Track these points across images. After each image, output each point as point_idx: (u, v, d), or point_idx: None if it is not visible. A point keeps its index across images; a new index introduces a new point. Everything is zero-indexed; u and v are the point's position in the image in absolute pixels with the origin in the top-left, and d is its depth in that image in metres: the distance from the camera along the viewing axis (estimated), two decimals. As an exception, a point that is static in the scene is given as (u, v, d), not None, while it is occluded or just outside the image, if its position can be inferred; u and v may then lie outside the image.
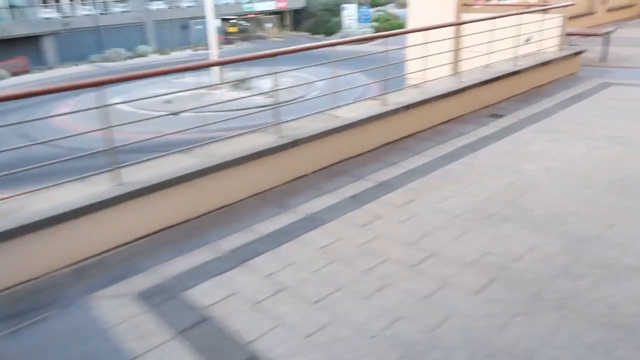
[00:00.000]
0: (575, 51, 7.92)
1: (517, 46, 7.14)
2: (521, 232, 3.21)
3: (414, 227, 3.37)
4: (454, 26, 7.75)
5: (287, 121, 4.43)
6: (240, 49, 35.89)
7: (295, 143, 4.15)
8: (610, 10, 15.30)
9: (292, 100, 8.09)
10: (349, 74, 5.66)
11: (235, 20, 41.88)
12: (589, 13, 14.46)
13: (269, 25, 43.73)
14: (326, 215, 3.58)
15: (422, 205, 3.69)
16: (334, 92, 4.97)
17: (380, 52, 5.45)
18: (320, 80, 13.43)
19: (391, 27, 35.41)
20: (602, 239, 3.07)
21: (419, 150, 4.89)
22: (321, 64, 5.04)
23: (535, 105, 6.23)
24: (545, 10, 7.90)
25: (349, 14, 39.22)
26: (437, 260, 2.95)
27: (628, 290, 2.56)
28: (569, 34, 8.59)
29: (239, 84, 20.38)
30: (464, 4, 9.32)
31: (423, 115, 5.51)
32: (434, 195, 3.84)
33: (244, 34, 42.26)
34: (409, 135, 5.35)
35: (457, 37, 7.22)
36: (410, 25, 10.12)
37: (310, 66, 5.05)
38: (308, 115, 4.84)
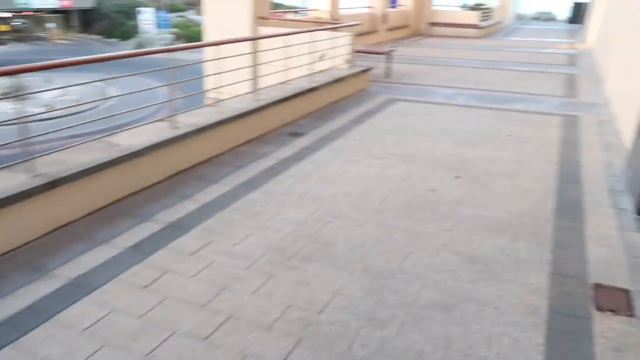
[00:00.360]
0: (364, 68, 8.38)
1: (313, 63, 7.21)
2: (325, 273, 2.97)
3: (209, 281, 2.87)
4: (252, 40, 7.49)
5: (44, 154, 3.52)
6: (14, 50, 30.83)
7: (54, 184, 3.28)
8: (389, 29, 16.98)
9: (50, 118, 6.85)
10: (135, 92, 4.89)
11: (5, 17, 35.86)
12: (373, 31, 15.81)
13: (51, 25, 38.55)
14: (97, 278, 2.85)
15: (219, 249, 3.21)
16: (119, 113, 4.19)
17: (191, 63, 4.85)
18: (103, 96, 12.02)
19: (192, 33, 34.36)
20: (402, 272, 3.00)
21: (216, 178, 4.42)
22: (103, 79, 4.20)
23: (333, 122, 6.30)
24: (335, 28, 8.18)
25: (146, 18, 36.89)
26: (235, 323, 2.50)
27: (430, 333, 2.47)
28: (357, 51, 9.10)
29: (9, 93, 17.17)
30: (260, 17, 9.18)
31: (220, 137, 5.05)
32: (232, 235, 3.40)
33: (19, 34, 36.48)
34: (206, 160, 4.84)
35: (255, 52, 6.96)
36: (207, 38, 9.61)
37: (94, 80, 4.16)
38: (78, 144, 3.96)
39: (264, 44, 7.82)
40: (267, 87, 6.62)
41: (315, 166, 4.77)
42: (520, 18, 37.96)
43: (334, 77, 7.45)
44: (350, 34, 8.09)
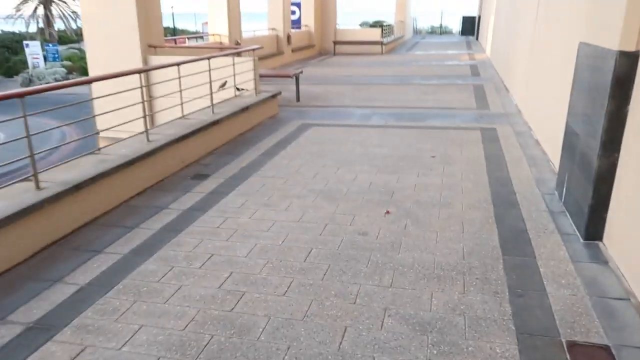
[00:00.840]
0: (273, 93, 7.78)
1: (215, 92, 6.49)
2: (243, 376, 2.24)
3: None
4: (141, 73, 6.64)
5: None
6: None
7: None
8: (295, 50, 16.64)
9: None
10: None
11: None
12: (278, 53, 15.35)
13: None
14: None
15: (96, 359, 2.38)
16: None
17: (76, 103, 3.90)
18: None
19: (86, 66, 32.04)
20: (342, 356, 2.35)
21: (99, 247, 3.54)
22: None
23: (242, 158, 5.61)
24: (236, 53, 7.52)
25: (33, 51, 33.95)
26: None
27: None
28: (262, 76, 8.50)
29: None
30: (152, 46, 8.30)
31: (104, 193, 4.15)
32: (116, 333, 2.57)
33: None
34: (89, 223, 3.93)
35: (147, 85, 6.11)
36: (91, 72, 8.54)
37: None
38: None
39: (158, 75, 6.98)
40: (164, 123, 5.80)
41: (223, 217, 4.02)
42: (417, 32, 39.73)
43: (240, 106, 6.77)
44: (252, 58, 7.48)
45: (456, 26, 48.01)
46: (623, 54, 3.01)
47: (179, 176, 5.07)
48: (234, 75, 7.04)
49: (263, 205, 4.24)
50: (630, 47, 3.00)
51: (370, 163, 5.30)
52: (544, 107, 5.71)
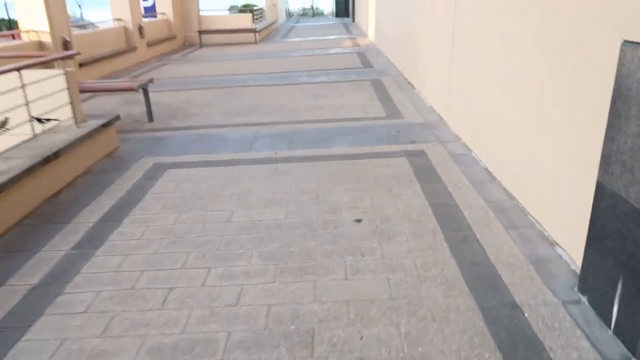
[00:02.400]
0: (106, 120, 5.28)
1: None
2: None
3: None
4: None
5: None
6: None
7: None
8: (151, 44, 13.79)
9: None
10: None
11: None
12: (129, 50, 12.45)
13: None
14: None
15: None
16: None
17: None
18: None
19: None
20: None
21: None
22: None
23: (44, 256, 3.19)
24: (42, 64, 4.90)
25: None
26: None
27: None
28: (86, 91, 5.94)
29: None
30: None
31: None
32: None
33: None
34: None
35: None
36: None
37: None
38: None
39: None
40: None
41: None
42: (289, 16, 37.88)
43: (43, 152, 4.23)
44: (64, 71, 4.88)
45: (328, 7, 47.10)
46: None
47: None
48: (27, 102, 4.44)
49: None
50: None
51: (261, 250, 3.19)
52: (509, 131, 4.04)
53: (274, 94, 7.99)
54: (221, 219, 3.64)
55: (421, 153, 4.83)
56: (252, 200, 3.93)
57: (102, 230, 3.56)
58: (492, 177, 4.12)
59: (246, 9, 24.27)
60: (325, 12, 45.61)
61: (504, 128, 3.92)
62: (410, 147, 5.03)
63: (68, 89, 4.84)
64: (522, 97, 3.53)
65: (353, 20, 24.60)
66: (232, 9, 42.69)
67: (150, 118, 6.58)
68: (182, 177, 4.51)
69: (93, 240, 3.43)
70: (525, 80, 3.48)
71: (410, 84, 8.10)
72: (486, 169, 4.30)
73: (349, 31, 19.59)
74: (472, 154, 4.70)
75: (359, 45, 14.22)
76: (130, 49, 12.53)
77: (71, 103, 4.89)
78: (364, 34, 17.45)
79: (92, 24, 14.03)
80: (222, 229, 3.49)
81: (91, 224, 3.66)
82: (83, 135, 4.80)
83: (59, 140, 4.55)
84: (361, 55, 12.06)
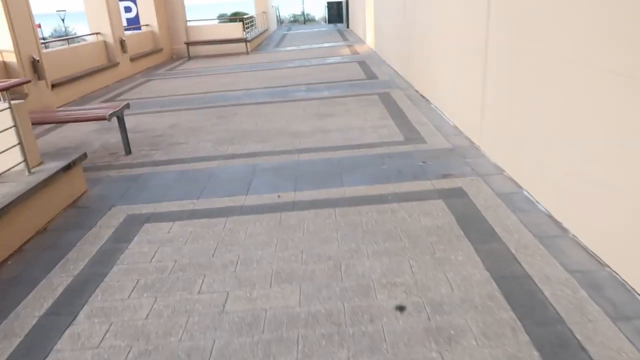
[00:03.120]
0: (67, 163, 4.30)
1: None
2: None
3: None
4: None
5: None
6: None
7: None
8: (135, 58, 12.83)
9: None
10: None
11: None
12: (110, 66, 11.49)
13: None
14: None
15: None
16: None
17: None
18: None
19: None
20: None
21: None
22: None
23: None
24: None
25: None
26: None
27: None
28: (41, 123, 4.99)
29: None
30: None
31: None
32: None
33: None
34: None
35: None
36: None
37: None
38: None
39: None
40: None
41: None
42: (281, 23, 37.04)
43: (-23, 215, 3.26)
44: (8, 104, 3.90)
45: (319, 13, 46.28)
46: None
47: None
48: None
49: None
50: None
51: (272, 364, 2.24)
52: (580, 163, 3.10)
53: (271, 114, 7.03)
54: (212, 308, 2.67)
55: (460, 192, 3.88)
56: (252, 275, 2.97)
57: (47, 331, 2.59)
58: (563, 229, 3.18)
59: (236, 17, 23.41)
60: (316, 18, 44.84)
61: (572, 158, 2.98)
62: (445, 183, 4.08)
63: (15, 126, 3.86)
64: (600, 113, 2.60)
65: (347, 26, 23.75)
66: (220, 17, 41.87)
67: (128, 150, 5.61)
68: (161, 237, 3.54)
69: (32, 351, 2.45)
70: (604, 91, 2.55)
71: (424, 97, 7.17)
72: (550, 216, 3.35)
73: (344, 38, 18.70)
74: (525, 193, 3.75)
75: (358, 53, 13.31)
76: (112, 64, 11.56)
77: (20, 144, 3.91)
78: (361, 41, 16.56)
79: (71, 38, 13.04)
80: (213, 326, 2.52)
81: (33, 321, 2.68)
82: (37, 184, 3.82)
83: (3, 194, 3.57)
84: (362, 64, 11.14)
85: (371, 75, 9.57)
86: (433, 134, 5.48)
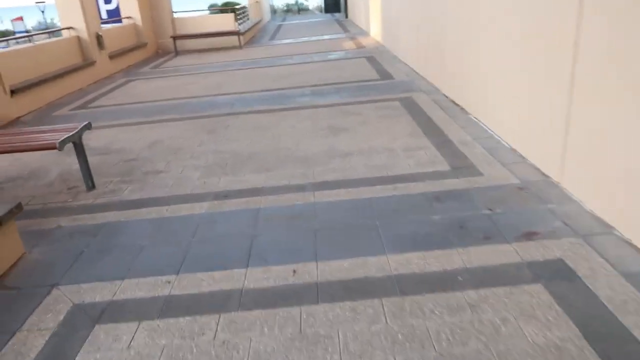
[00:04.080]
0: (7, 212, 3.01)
1: None
2: None
3: None
4: None
5: None
6: None
7: None
8: (114, 55, 11.45)
9: None
10: None
11: None
12: (87, 65, 10.12)
13: None
14: None
15: None
16: None
17: None
18: None
19: None
20: None
21: None
22: None
23: None
24: None
25: None
26: None
27: None
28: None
29: None
30: None
31: None
32: None
33: None
34: None
35: None
36: None
37: None
38: None
39: None
40: None
41: None
42: (274, 12, 35.51)
43: None
44: None
45: (313, 2, 44.62)
46: None
47: None
48: None
49: None
50: None
51: None
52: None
53: (272, 128, 5.75)
54: None
55: (563, 270, 2.62)
56: None
57: None
58: None
59: (227, 7, 21.96)
60: (310, 7, 43.26)
61: None
62: (533, 250, 2.83)
63: None
64: None
65: (346, 16, 22.34)
66: (211, 7, 40.18)
67: (90, 184, 4.32)
68: (117, 358, 2.27)
69: None
70: None
71: (457, 105, 5.90)
72: None
73: (345, 29, 17.33)
74: (628, 247, 2.52)
75: (363, 47, 11.98)
76: (87, 63, 10.18)
77: None
78: (364, 32, 15.21)
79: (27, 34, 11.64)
80: None
81: None
82: None
83: None
84: (371, 60, 9.83)
85: (385, 75, 8.27)
86: (486, 160, 4.22)
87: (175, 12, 15.11)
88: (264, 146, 5.11)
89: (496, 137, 4.71)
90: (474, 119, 5.31)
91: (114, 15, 14.17)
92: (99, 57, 10.64)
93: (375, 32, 13.18)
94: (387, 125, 5.41)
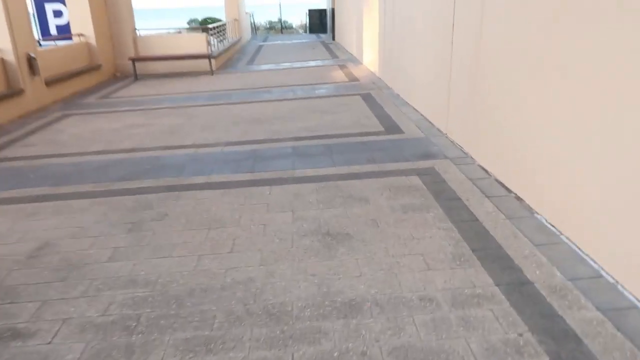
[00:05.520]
0: None
1: None
2: None
3: None
4: None
5: None
6: None
7: None
8: (52, 82, 9.31)
9: None
10: None
11: None
12: (13, 94, 7.98)
13: None
14: None
15: None
16: None
17: None
18: None
19: None
20: None
21: None
22: None
23: None
24: None
25: None
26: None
27: None
28: None
29: None
30: None
31: None
32: None
33: None
34: None
35: None
36: None
37: None
38: None
39: None
40: None
41: None
42: (256, 30, 33.69)
43: None
44: None
45: (296, 21, 42.95)
46: None
47: None
48: None
49: None
50: None
51: None
52: None
53: (228, 226, 3.71)
54: None
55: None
56: None
57: None
58: None
59: (200, 27, 20.03)
60: (294, 26, 41.63)
61: None
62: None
63: None
64: None
65: (333, 38, 20.58)
66: (191, 22, 38.17)
67: None
68: None
69: None
70: None
71: (513, 194, 3.95)
72: None
73: (332, 54, 15.48)
74: None
75: (356, 80, 10.09)
76: (12, 93, 8.05)
77: None
78: (355, 60, 13.35)
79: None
80: None
81: None
82: None
83: None
84: (369, 99, 7.91)
85: (390, 125, 6.33)
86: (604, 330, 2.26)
87: (139, 30, 13.07)
88: (208, 276, 3.06)
89: (567, 242, 2.75)
90: (544, 223, 3.35)
91: (64, 31, 12.08)
92: (30, 85, 8.51)
93: (369, 60, 11.32)
94: (411, 234, 3.41)
